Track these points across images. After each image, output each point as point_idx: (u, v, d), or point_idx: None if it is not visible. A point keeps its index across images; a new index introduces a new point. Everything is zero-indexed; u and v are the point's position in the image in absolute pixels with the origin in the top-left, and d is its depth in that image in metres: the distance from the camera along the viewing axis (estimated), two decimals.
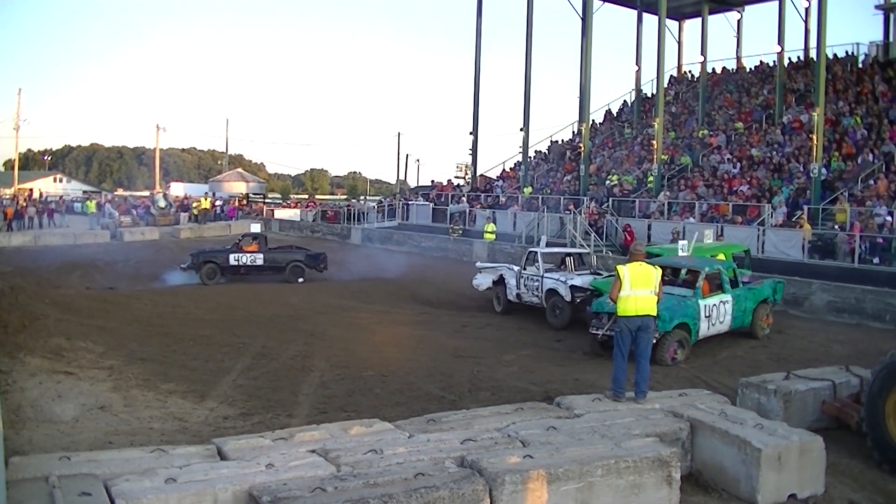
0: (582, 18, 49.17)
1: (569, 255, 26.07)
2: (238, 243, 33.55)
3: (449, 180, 64.28)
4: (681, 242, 21.29)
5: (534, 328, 22.49)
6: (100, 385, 15.16)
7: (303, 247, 36.11)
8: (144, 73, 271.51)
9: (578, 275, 23.74)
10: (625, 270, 12.72)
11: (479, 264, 29.26)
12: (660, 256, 21.66)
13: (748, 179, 39.58)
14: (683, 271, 20.23)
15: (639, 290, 12.62)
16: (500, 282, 25.69)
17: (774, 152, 41.42)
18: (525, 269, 24.89)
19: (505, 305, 25.41)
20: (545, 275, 23.78)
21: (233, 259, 32.38)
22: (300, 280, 32.12)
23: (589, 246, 35.23)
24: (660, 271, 13.14)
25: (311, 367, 17.15)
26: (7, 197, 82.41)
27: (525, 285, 24.47)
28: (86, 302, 25.37)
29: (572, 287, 22.66)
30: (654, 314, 12.91)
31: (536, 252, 24.92)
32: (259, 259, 32.59)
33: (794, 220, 33.83)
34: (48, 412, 13.19)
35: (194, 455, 9.20)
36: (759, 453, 9.60)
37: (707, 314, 18.75)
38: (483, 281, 26.59)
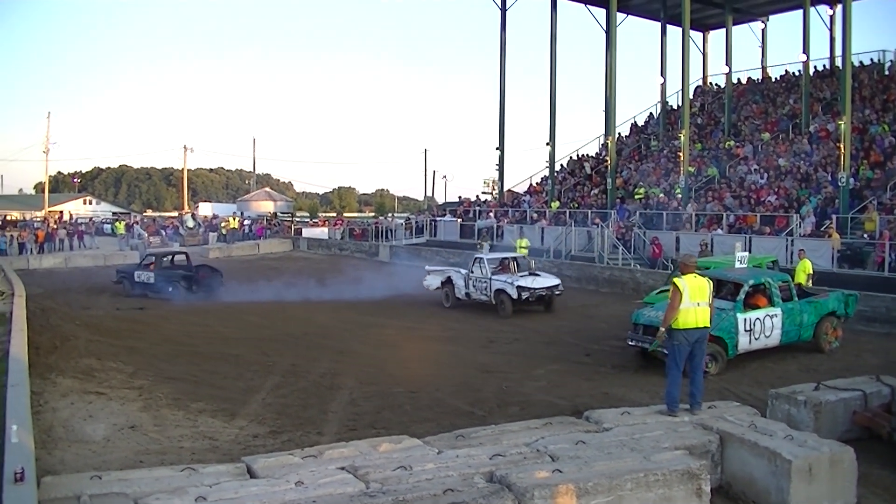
0: (606, 32, 49.28)
1: (507, 259, 30.77)
2: (142, 262, 36.32)
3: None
4: (738, 254, 21.06)
5: (561, 342, 22.43)
6: (130, 405, 15.26)
7: (214, 269, 37.01)
8: (172, 95, 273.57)
9: (521, 276, 28.53)
10: (683, 283, 12.50)
11: (427, 267, 33.88)
12: (708, 269, 21.55)
13: (776, 190, 39.35)
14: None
15: (697, 302, 12.50)
16: (448, 282, 30.50)
17: (802, 162, 41.14)
18: (472, 272, 29.55)
19: (453, 302, 30.16)
20: (493, 277, 28.59)
21: (136, 276, 34.72)
22: (172, 299, 32.57)
23: (617, 259, 37.67)
24: (711, 283, 13.09)
25: (340, 384, 17.19)
26: (38, 219, 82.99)
27: (474, 286, 29.28)
28: (115, 323, 25.54)
29: (518, 287, 27.55)
30: (710, 326, 12.87)
31: (483, 258, 29.86)
32: (151, 278, 34.16)
33: (822, 229, 33.61)
34: (79, 432, 13.27)
35: (224, 473, 9.24)
36: (789, 465, 9.54)
37: (748, 328, 18.39)
38: (432, 282, 31.42)
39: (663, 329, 12.86)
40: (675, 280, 12.70)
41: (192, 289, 33.69)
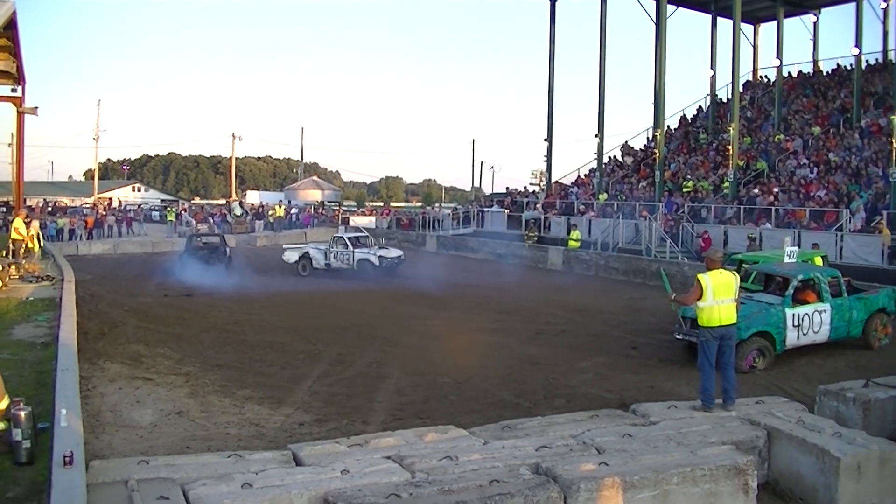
0: (656, 24, 48.90)
1: (360, 236, 39.90)
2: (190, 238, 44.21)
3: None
4: (787, 248, 20.80)
5: (608, 335, 22.33)
6: (177, 391, 15.37)
7: (219, 246, 42.29)
8: (221, 83, 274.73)
9: (378, 249, 37.50)
10: (707, 280, 12.43)
11: (285, 245, 42.08)
12: (756, 264, 21.35)
13: (825, 184, 39.00)
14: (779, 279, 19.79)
15: (721, 299, 12.44)
16: (305, 256, 37.94)
17: (852, 157, 40.76)
18: (332, 247, 37.69)
19: (310, 271, 37.33)
20: (355, 250, 36.86)
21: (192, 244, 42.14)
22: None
23: (665, 252, 38.31)
24: (738, 278, 12.98)
25: (387, 374, 17.23)
26: (87, 206, 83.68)
27: (335, 257, 37.17)
28: (163, 309, 25.71)
29: (380, 257, 36.28)
30: (735, 322, 12.77)
31: (343, 236, 38.60)
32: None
33: (872, 225, 33.27)
34: (127, 417, 13.38)
35: (270, 461, 9.29)
36: (837, 462, 9.47)
37: (796, 323, 18.20)
38: (291, 256, 38.53)
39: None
40: (700, 276, 12.62)
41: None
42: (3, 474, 8.46)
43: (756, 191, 40.98)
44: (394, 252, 37.69)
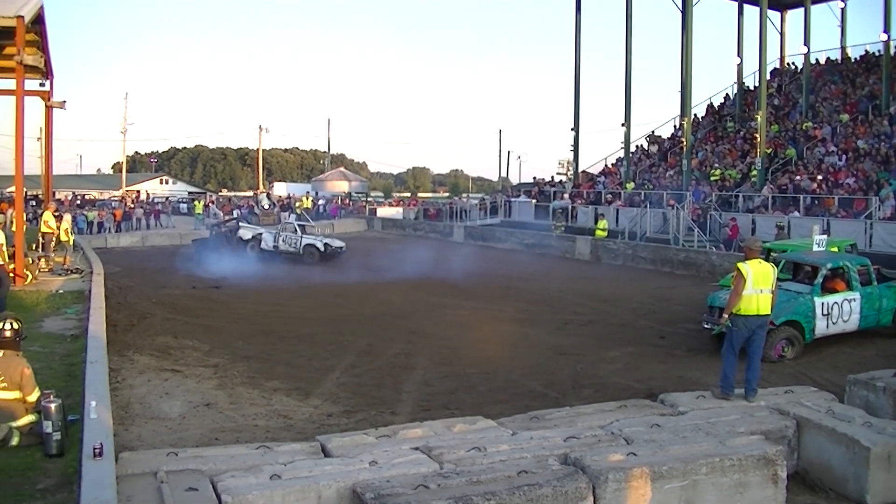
0: (682, 11, 48.64)
1: (307, 224, 44.59)
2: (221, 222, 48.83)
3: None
4: (816, 237, 20.64)
5: (636, 325, 22.29)
6: (205, 383, 15.42)
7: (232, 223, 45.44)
8: (248, 75, 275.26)
9: (324, 236, 42.68)
10: (748, 269, 12.26)
11: (241, 223, 43.36)
12: (785, 252, 21.22)
13: (854, 172, 38.76)
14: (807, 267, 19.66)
15: (760, 288, 12.27)
16: (256, 237, 40.57)
17: (882, 144, 40.46)
18: (282, 232, 40.81)
19: (258, 253, 39.82)
20: (303, 236, 40.70)
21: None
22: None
23: (693, 241, 37.88)
24: (776, 270, 12.89)
25: (414, 364, 17.24)
26: (116, 199, 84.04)
27: (283, 241, 40.38)
28: (191, 301, 25.81)
29: (325, 244, 40.49)
30: (770, 314, 12.67)
31: (293, 223, 42.75)
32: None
33: None
34: (156, 409, 13.44)
35: (298, 452, 9.29)
36: (867, 452, 9.41)
37: (825, 312, 18.06)
38: (246, 234, 40.93)
39: (727, 315, 12.69)
40: (740, 265, 12.46)
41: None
42: (34, 466, 8.53)
43: (798, 178, 40.66)
44: (338, 242, 41.96)
